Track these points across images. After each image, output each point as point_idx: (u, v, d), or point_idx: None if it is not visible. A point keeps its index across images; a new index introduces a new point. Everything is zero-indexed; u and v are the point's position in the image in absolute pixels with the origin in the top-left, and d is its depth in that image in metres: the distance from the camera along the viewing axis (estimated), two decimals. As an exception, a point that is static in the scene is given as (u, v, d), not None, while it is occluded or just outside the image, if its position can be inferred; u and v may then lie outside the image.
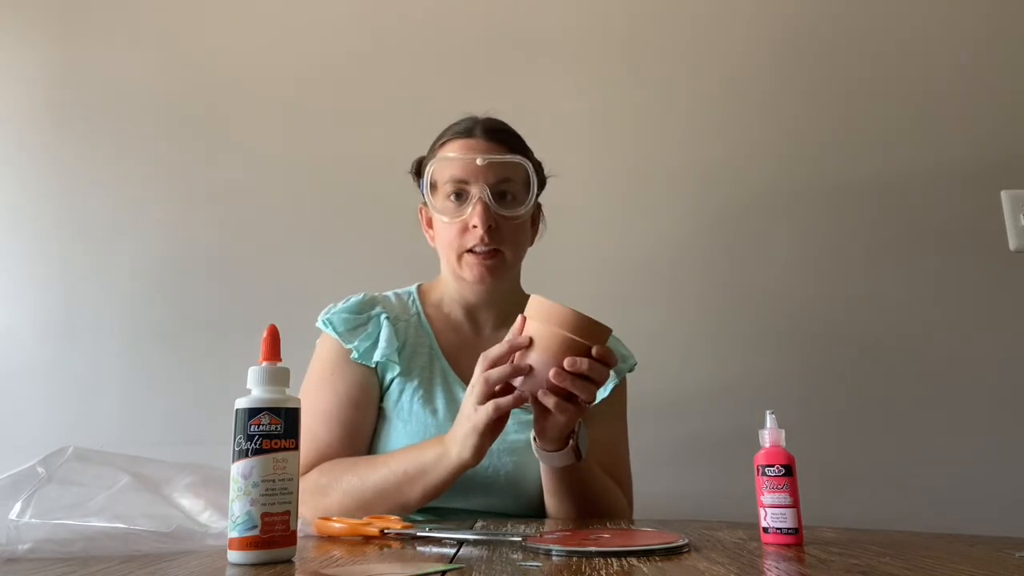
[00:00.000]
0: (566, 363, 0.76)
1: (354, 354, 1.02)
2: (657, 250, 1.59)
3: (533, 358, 0.78)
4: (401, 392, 1.02)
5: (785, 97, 1.67)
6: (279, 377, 0.60)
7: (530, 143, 1.10)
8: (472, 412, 0.80)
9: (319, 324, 1.06)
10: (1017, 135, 1.65)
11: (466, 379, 1.05)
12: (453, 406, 1.02)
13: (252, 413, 0.57)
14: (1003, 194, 1.61)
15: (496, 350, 0.80)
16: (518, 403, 0.79)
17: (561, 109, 1.65)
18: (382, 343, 1.02)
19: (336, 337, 1.03)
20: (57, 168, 1.61)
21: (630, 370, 1.13)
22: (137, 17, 1.68)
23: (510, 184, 1.02)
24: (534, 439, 0.87)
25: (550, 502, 0.95)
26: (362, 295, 1.09)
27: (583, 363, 0.77)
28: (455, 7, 1.70)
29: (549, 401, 0.78)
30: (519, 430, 1.01)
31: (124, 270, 1.56)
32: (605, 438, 1.03)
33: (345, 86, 1.66)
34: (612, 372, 1.05)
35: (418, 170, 1.10)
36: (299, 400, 0.61)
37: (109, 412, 1.49)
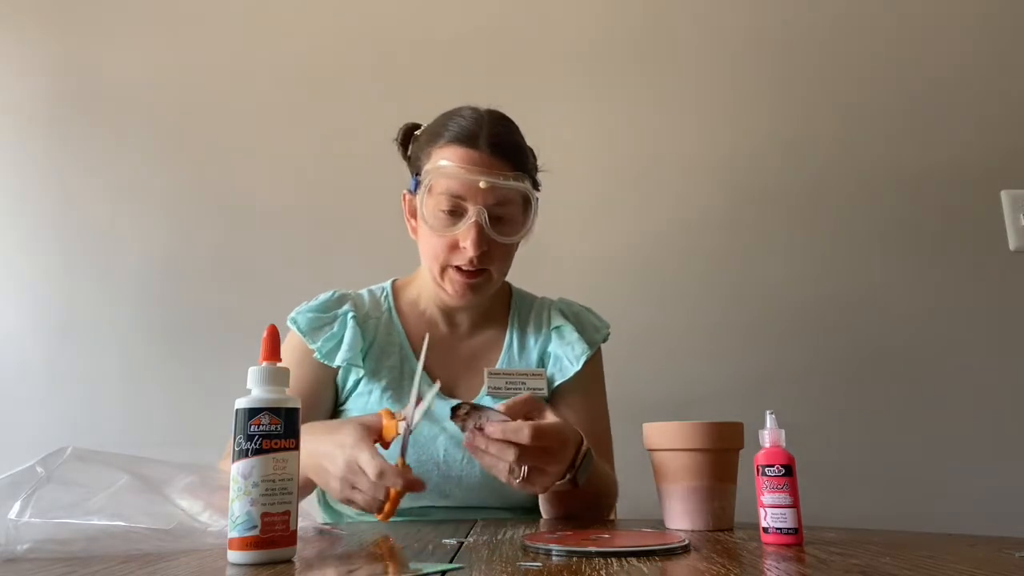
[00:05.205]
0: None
1: (316, 354, 1.00)
2: (657, 248, 1.59)
3: None
4: (370, 393, 1.00)
5: (786, 97, 1.67)
6: (279, 377, 0.60)
7: (530, 140, 1.07)
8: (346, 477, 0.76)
9: (288, 322, 1.04)
10: (1017, 135, 1.65)
11: (438, 378, 1.02)
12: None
13: (252, 413, 0.57)
14: (1003, 194, 1.61)
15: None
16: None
17: (563, 105, 1.65)
18: (345, 346, 1.00)
19: (301, 336, 1.01)
20: (57, 167, 1.61)
21: (604, 340, 1.11)
22: (138, 16, 1.68)
23: (508, 207, 0.98)
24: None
25: (548, 513, 0.95)
26: (331, 293, 1.08)
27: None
28: (457, 6, 1.70)
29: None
30: None
31: (124, 270, 1.56)
32: (584, 409, 1.03)
33: (347, 85, 1.66)
34: (585, 343, 1.05)
35: (404, 140, 1.07)
36: (299, 400, 0.61)
37: (109, 412, 1.49)
